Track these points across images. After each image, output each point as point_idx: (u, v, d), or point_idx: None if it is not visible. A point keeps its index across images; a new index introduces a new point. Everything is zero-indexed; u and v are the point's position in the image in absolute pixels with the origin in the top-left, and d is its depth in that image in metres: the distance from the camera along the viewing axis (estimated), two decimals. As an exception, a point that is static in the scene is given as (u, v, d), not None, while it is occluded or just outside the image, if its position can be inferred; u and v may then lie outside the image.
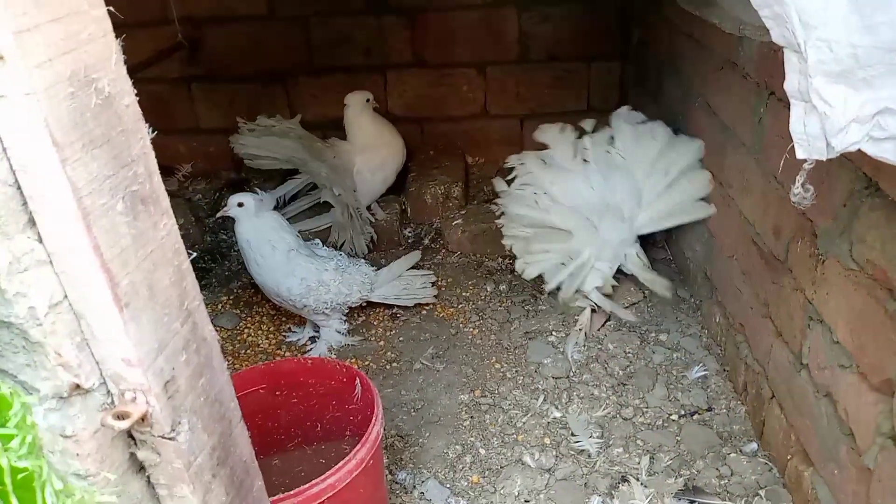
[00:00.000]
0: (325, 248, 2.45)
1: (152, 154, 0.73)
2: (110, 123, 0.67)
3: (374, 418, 1.43)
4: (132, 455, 0.81)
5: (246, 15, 3.26)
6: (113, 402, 0.76)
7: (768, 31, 1.05)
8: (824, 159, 1.04)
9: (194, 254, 0.80)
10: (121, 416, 0.74)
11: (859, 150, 1.00)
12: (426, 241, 3.03)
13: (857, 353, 1.36)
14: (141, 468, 0.83)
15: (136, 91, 0.71)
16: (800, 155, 1.07)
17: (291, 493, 1.27)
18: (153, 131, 0.74)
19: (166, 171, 3.54)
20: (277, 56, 3.33)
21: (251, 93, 3.43)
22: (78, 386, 0.72)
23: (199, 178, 3.56)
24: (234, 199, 2.25)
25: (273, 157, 3.02)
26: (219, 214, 2.36)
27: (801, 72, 1.00)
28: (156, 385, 0.75)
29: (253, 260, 2.25)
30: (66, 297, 0.69)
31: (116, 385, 0.75)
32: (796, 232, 1.61)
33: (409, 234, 3.09)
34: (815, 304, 1.53)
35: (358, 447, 1.36)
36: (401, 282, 2.56)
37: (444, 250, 2.97)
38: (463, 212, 3.06)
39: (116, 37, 0.68)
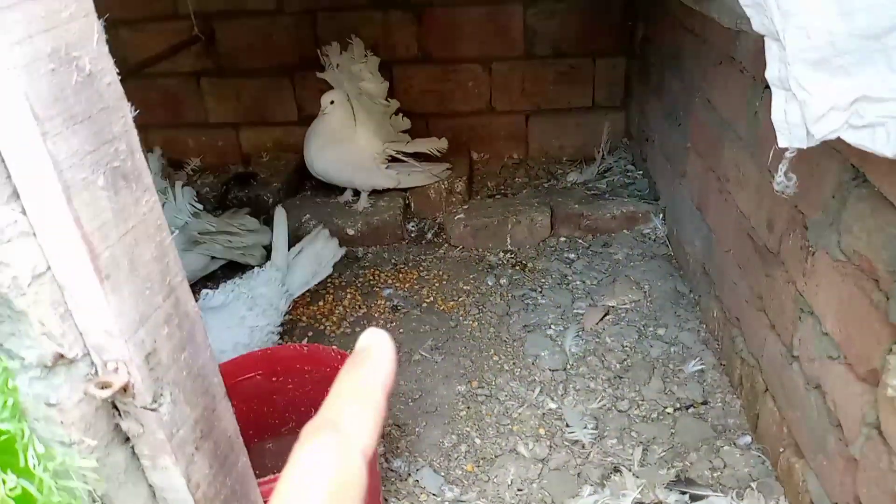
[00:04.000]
0: (219, 292, 2.19)
1: (134, 132, 0.75)
2: (91, 101, 0.69)
3: (365, 403, 1.45)
4: (117, 426, 0.84)
5: (255, 9, 3.29)
6: (97, 372, 0.79)
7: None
8: (805, 147, 1.05)
9: (176, 231, 0.83)
10: (103, 386, 0.77)
11: (846, 142, 1.01)
12: (429, 236, 3.06)
13: (845, 344, 1.37)
14: (126, 439, 0.85)
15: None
16: (781, 143, 1.08)
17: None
18: (136, 110, 0.76)
19: (176, 164, 3.59)
20: (285, 50, 3.37)
21: (259, 87, 3.46)
22: (62, 356, 0.75)
23: (208, 171, 3.60)
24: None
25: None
26: None
27: (781, 59, 1.01)
28: (137, 356, 0.77)
29: None
30: (49, 268, 0.71)
31: (100, 356, 0.77)
32: (788, 224, 1.61)
33: (412, 229, 3.11)
34: (806, 295, 1.53)
35: (348, 431, 1.38)
36: (306, 258, 2.45)
37: (446, 244, 2.99)
38: (466, 206, 3.08)
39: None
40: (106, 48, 0.72)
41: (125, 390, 0.78)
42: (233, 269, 2.71)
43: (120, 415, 0.82)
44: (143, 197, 0.77)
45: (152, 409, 0.80)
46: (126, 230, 0.75)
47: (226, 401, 0.94)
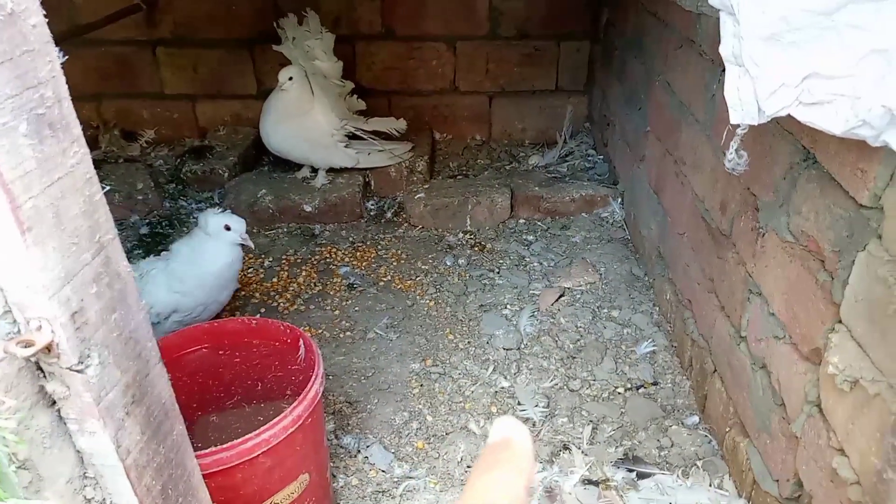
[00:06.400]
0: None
1: (62, 79, 0.72)
2: (13, 41, 0.65)
3: (313, 377, 1.42)
4: (42, 388, 0.80)
5: (214, -22, 3.20)
6: (19, 330, 0.75)
7: (706, -6, 1.05)
8: (756, 124, 1.05)
9: (108, 186, 0.79)
10: (25, 345, 0.73)
11: (797, 120, 1.01)
12: (388, 215, 3.03)
13: (790, 324, 1.39)
14: (52, 402, 0.82)
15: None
16: (733, 120, 1.08)
17: (225, 446, 1.27)
18: (64, 56, 0.72)
19: (129, 136, 3.49)
20: (245, 21, 3.28)
21: (217, 59, 3.37)
22: (-21, 312, 0.71)
23: (162, 144, 3.51)
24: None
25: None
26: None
27: (735, 34, 1.01)
28: (62, 314, 0.74)
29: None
30: (-35, 218, 0.67)
31: (22, 313, 0.74)
32: (741, 206, 1.63)
33: (372, 207, 3.07)
34: (755, 276, 1.55)
35: (295, 404, 1.36)
36: None
37: (405, 224, 2.96)
38: (426, 186, 3.06)
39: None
40: (31, -13, 0.68)
41: (49, 350, 0.75)
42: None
43: (45, 376, 0.79)
44: (70, 148, 0.74)
45: (79, 371, 0.77)
46: (51, 181, 0.71)
47: (161, 367, 0.91)
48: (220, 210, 2.10)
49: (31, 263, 0.69)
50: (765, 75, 0.98)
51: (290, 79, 2.80)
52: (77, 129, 0.75)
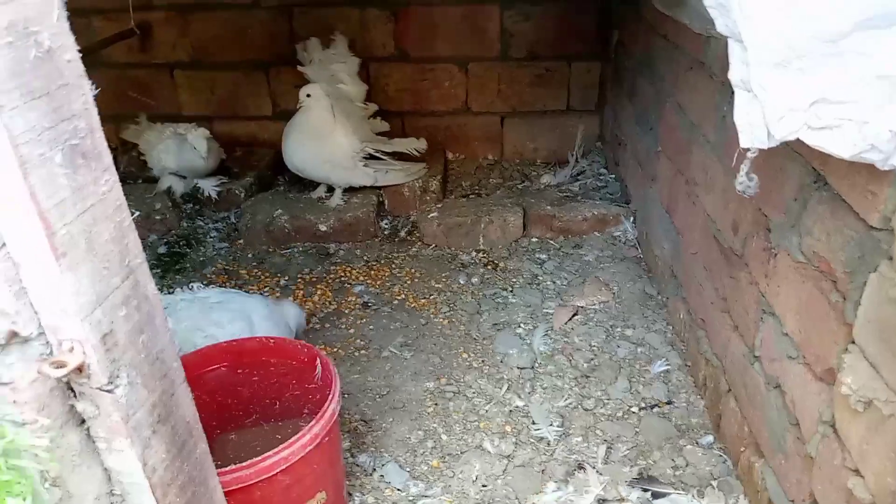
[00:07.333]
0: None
1: (95, 110, 0.75)
2: (50, 77, 0.68)
3: (330, 396, 1.44)
4: (72, 407, 0.83)
5: (231, 2, 3.27)
6: (52, 352, 0.78)
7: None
8: (766, 147, 1.07)
9: (137, 212, 0.82)
10: (58, 366, 0.76)
11: (805, 143, 1.03)
12: (402, 234, 3.06)
13: (804, 344, 1.40)
14: (81, 421, 0.85)
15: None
16: (743, 143, 1.10)
17: (244, 464, 1.29)
18: (97, 88, 0.75)
19: (148, 157, 3.55)
20: (261, 45, 3.35)
21: (233, 81, 3.44)
22: (15, 333, 0.74)
23: (180, 164, 3.56)
24: None
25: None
26: None
27: (744, 61, 1.03)
28: (93, 336, 0.76)
29: None
30: (4, 244, 0.70)
31: (55, 335, 0.77)
32: (752, 226, 1.64)
33: (386, 226, 3.11)
34: (768, 296, 1.56)
35: (313, 423, 1.38)
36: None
37: (419, 242, 2.99)
38: (440, 205, 3.09)
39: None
40: (67, 25, 0.72)
41: (80, 370, 0.78)
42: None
43: (75, 396, 0.82)
44: (102, 176, 0.77)
45: (108, 391, 0.80)
46: (84, 209, 0.74)
47: (185, 386, 0.94)
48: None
49: (64, 288, 0.72)
50: (773, 100, 1.00)
51: (309, 96, 2.86)
52: (108, 158, 0.78)
